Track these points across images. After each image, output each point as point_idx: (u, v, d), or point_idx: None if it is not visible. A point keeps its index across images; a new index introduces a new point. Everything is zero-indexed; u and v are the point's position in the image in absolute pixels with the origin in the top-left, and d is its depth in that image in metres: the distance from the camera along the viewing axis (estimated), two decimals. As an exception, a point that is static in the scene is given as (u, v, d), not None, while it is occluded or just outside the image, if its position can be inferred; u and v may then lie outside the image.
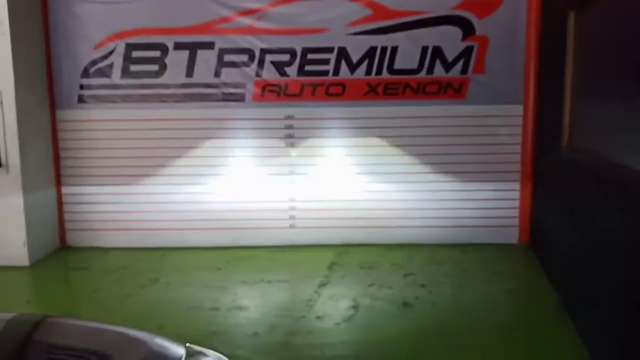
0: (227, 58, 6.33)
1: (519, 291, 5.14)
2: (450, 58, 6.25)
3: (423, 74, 6.28)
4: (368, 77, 6.29)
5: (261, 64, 6.31)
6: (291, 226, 6.52)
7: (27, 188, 5.92)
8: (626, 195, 3.44)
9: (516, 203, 6.45)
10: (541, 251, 5.83)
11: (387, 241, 6.43)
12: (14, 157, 5.80)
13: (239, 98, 6.39)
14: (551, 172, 5.59)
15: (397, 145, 6.40)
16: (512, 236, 6.46)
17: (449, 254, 6.10)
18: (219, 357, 2.16)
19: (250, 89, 6.37)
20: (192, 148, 6.45)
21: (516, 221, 6.46)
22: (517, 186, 6.42)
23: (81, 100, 6.46)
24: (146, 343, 2.09)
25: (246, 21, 6.25)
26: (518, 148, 6.38)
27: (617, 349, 3.41)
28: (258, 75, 6.33)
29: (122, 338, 2.16)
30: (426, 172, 6.43)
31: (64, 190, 6.57)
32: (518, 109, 6.30)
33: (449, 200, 6.48)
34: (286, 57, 6.29)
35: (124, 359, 1.94)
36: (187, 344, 2.16)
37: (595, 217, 4.05)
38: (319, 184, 6.47)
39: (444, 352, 3.97)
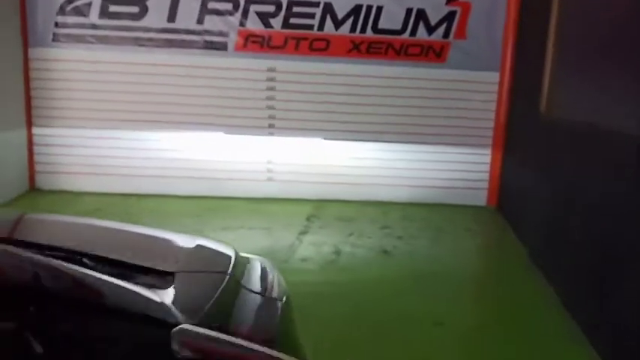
0: (211, 5, 6.22)
1: (490, 245, 5.39)
2: (433, 21, 6.35)
3: (406, 35, 6.36)
4: (352, 34, 6.33)
5: (245, 13, 6.24)
6: (269, 179, 6.56)
7: (-3, 126, 5.73)
8: (601, 153, 3.67)
9: (487, 167, 6.68)
10: (510, 212, 6.09)
11: (361, 198, 6.56)
12: (-15, 93, 5.58)
13: (221, 47, 6.32)
14: (527, 137, 5.82)
15: (376, 105, 6.49)
16: (481, 199, 6.71)
17: (421, 212, 6.29)
18: (263, 260, 2.29)
19: (233, 39, 6.30)
20: (170, 94, 6.34)
21: (486, 184, 6.71)
22: (488, 151, 6.64)
23: (56, 38, 6.23)
24: (197, 239, 2.17)
25: (233, -32, 6.16)
26: (492, 115, 6.58)
27: (585, 290, 3.67)
28: (241, 24, 6.26)
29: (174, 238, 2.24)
30: (401, 133, 6.56)
31: (35, 131, 6.36)
32: (494, 76, 6.49)
33: (422, 161, 6.65)
34: (271, 8, 6.24)
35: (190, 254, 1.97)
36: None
37: (569, 178, 4.29)
38: (298, 138, 6.51)
39: (421, 292, 4.16)
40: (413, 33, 6.37)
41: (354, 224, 5.68)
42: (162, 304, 1.48)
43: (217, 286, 1.81)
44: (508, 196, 6.32)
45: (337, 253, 4.80)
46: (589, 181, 3.88)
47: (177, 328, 1.31)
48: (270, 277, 2.18)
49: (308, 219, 5.80)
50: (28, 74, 6.25)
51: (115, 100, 6.32)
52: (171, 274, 1.83)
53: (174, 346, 1.23)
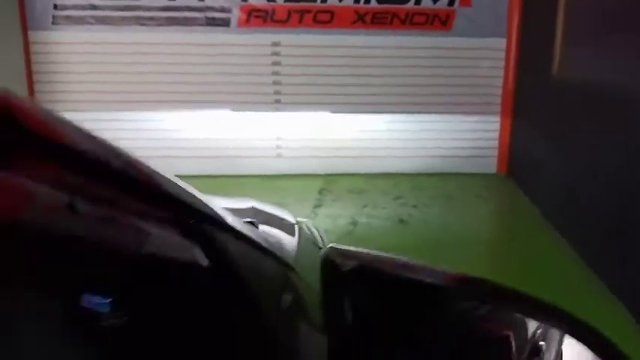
0: (212, -20, 6.12)
1: (503, 210, 5.39)
2: (437, -12, 6.26)
3: (411, 4, 6.27)
4: (357, 5, 6.23)
5: (247, -13, 6.14)
6: (278, 156, 6.52)
7: None
8: (616, 111, 3.64)
9: (496, 135, 6.64)
10: (521, 178, 6.07)
11: (370, 171, 6.52)
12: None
13: (224, 23, 6.23)
14: (537, 102, 5.77)
15: (382, 76, 6.42)
16: (491, 166, 6.68)
17: (431, 182, 6.24)
18: (309, 222, 2.27)
19: (236, 14, 6.20)
20: (174, 73, 6.25)
21: (495, 152, 6.68)
22: (497, 118, 6.59)
23: (55, 21, 6.12)
24: (246, 200, 2.11)
25: (233, -59, 6.04)
26: (500, 82, 6.52)
27: (604, 247, 3.67)
28: (244, -1, 6.17)
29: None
30: (408, 103, 6.50)
31: (39, 116, 6.29)
32: (501, 42, 6.42)
33: (430, 131, 6.60)
34: (274, -19, 6.14)
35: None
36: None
37: (583, 140, 4.26)
38: (306, 113, 6.46)
39: (440, 257, 4.11)
40: (418, 1, 6.27)
41: (367, 196, 5.65)
42: (272, 244, 1.49)
43: (293, 234, 1.80)
44: (519, 162, 6.29)
45: (354, 224, 4.79)
46: (605, 140, 3.86)
47: (328, 247, 1.33)
48: (322, 235, 2.15)
49: (320, 192, 5.77)
50: (29, 58, 6.16)
51: (118, 81, 6.24)
52: (251, 222, 1.81)
53: (338, 261, 1.25)
